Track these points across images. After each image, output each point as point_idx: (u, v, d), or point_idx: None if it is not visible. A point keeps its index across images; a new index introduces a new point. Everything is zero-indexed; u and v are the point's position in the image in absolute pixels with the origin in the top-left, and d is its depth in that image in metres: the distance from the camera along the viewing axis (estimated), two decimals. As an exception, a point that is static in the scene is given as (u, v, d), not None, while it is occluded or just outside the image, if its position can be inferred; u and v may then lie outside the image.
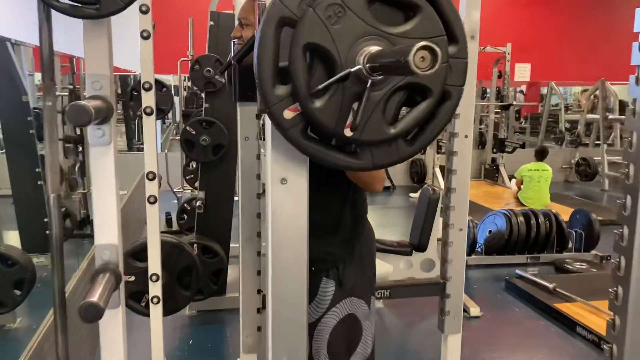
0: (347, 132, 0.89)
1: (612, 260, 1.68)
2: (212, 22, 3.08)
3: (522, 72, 7.77)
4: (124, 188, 5.40)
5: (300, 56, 0.86)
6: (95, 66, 0.97)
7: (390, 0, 0.90)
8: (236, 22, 1.67)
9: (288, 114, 0.89)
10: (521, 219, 4.23)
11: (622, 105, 8.61)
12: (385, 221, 5.96)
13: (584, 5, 8.33)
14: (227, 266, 3.25)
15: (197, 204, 3.15)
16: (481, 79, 7.79)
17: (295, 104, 0.89)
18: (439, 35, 0.88)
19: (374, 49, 0.84)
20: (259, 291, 2.14)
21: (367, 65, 0.82)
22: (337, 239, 1.50)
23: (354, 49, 0.85)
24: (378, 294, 3.01)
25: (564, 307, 3.35)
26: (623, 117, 8.01)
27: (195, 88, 4.58)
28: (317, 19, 0.84)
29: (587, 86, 9.14)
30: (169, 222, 4.90)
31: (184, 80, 5.60)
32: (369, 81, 0.85)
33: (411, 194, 7.04)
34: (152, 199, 1.74)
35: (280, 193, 1.07)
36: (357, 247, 1.55)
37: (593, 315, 3.21)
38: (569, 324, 3.20)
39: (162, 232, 1.88)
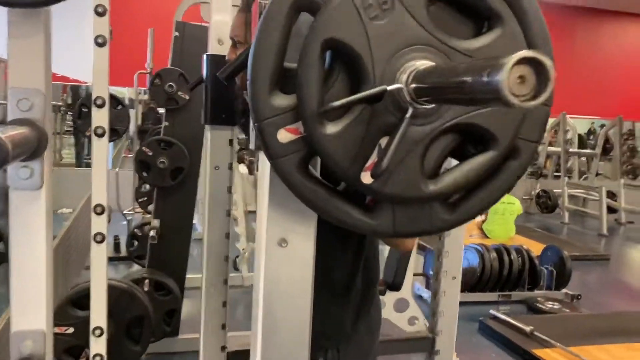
0: (366, 178, 0.62)
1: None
2: (177, 33, 2.78)
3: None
4: (69, 207, 4.96)
5: (316, 55, 0.59)
6: (22, 77, 0.67)
7: (459, 3, 0.63)
8: (210, 41, 1.39)
9: (284, 135, 0.63)
10: (494, 254, 4.06)
11: (581, 139, 8.73)
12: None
13: (555, 39, 8.43)
14: (181, 305, 2.90)
15: (151, 233, 2.81)
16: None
17: (296, 123, 0.63)
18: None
19: (426, 64, 0.58)
20: (222, 348, 1.83)
21: (413, 85, 0.57)
22: (343, 310, 1.18)
23: (396, 59, 0.59)
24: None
25: (543, 354, 3.16)
26: (583, 150, 8.11)
27: (152, 103, 4.24)
28: (352, 7, 0.58)
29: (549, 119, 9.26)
30: (116, 246, 4.49)
31: (140, 94, 5.23)
32: (410, 110, 0.58)
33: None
34: (99, 237, 1.43)
35: (278, 259, 0.80)
36: (365, 322, 1.24)
37: (574, 364, 3.04)
38: (549, 373, 3.01)
39: (109, 258, 1.57)
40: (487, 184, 0.65)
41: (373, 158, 0.61)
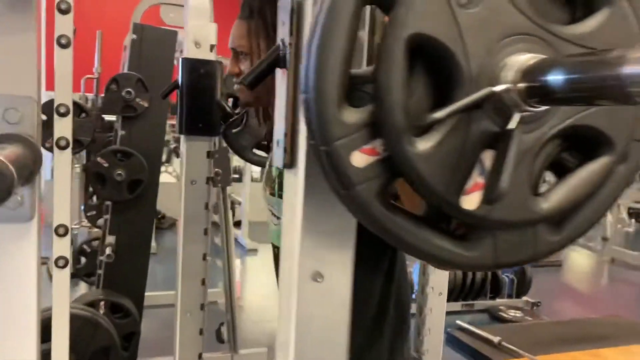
0: (467, 203, 0.51)
1: None
2: (134, 36, 2.60)
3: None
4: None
5: (400, 56, 0.48)
6: (10, 82, 0.53)
7: None
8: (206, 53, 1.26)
9: (360, 158, 0.51)
10: (456, 264, 4.07)
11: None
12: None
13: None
14: (140, 328, 2.70)
15: (107, 251, 2.60)
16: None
17: (373, 142, 0.51)
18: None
19: (534, 57, 0.48)
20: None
21: (522, 84, 0.46)
22: (375, 345, 1.03)
23: (494, 54, 0.49)
24: None
25: (512, 364, 3.15)
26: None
27: (100, 111, 3.99)
28: None
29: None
30: (62, 264, 4.19)
31: (87, 101, 4.94)
32: (517, 114, 0.48)
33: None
34: (61, 262, 1.26)
35: (312, 296, 0.68)
36: (400, 354, 1.08)
37: (543, 373, 3.03)
38: (519, 384, 2.99)
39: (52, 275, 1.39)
40: (595, 194, 0.55)
41: (477, 179, 0.50)
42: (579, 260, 6.95)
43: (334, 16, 0.49)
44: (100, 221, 3.10)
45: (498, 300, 4.22)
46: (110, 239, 2.67)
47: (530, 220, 0.54)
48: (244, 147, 1.66)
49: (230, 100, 1.63)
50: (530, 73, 0.46)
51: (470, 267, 0.56)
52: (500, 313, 4.02)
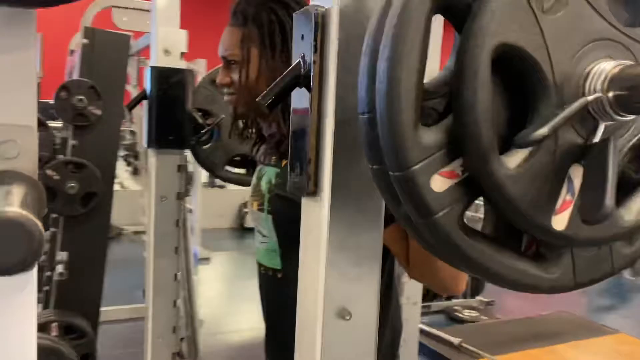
0: (559, 223, 0.48)
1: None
2: (86, 40, 2.45)
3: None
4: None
5: (486, 68, 0.44)
6: (6, 108, 0.45)
7: None
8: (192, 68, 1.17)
9: (440, 182, 0.46)
10: (414, 267, 4.10)
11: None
12: (255, 269, 5.49)
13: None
14: (96, 348, 2.55)
15: (59, 269, 2.44)
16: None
17: (452, 163, 0.47)
18: None
19: (620, 63, 0.46)
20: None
21: (613, 93, 0.44)
22: None
23: (577, 62, 0.47)
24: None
25: (474, 366, 3.20)
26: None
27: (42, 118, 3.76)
28: (523, 3, 0.45)
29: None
30: (2, 281, 3.92)
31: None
32: (603, 125, 0.46)
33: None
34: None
35: (339, 335, 0.63)
36: None
37: (505, 373, 3.09)
38: (482, 385, 3.04)
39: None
40: None
41: (567, 197, 0.47)
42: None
43: (407, 26, 0.45)
44: (46, 234, 2.92)
45: (454, 301, 4.28)
46: (63, 256, 2.51)
47: (616, 236, 0.51)
48: (215, 164, 1.58)
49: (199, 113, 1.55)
50: (618, 81, 0.44)
51: (552, 290, 0.52)
52: (457, 313, 4.09)
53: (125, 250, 5.24)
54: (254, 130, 1.12)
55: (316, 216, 0.62)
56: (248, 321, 3.95)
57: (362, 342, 0.63)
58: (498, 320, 4.03)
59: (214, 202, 6.50)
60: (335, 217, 0.61)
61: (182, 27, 1.46)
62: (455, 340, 3.47)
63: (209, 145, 1.59)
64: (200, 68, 5.23)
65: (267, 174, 1.06)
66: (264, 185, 1.06)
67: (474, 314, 4.10)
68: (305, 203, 0.64)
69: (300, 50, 0.61)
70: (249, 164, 1.68)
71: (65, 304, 2.49)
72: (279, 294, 1.06)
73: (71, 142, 2.51)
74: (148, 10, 2.73)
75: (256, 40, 1.01)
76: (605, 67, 0.46)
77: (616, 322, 4.31)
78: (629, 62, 0.46)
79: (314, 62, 0.59)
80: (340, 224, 0.61)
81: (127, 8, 2.53)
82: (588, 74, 0.47)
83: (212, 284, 5.00)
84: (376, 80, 0.46)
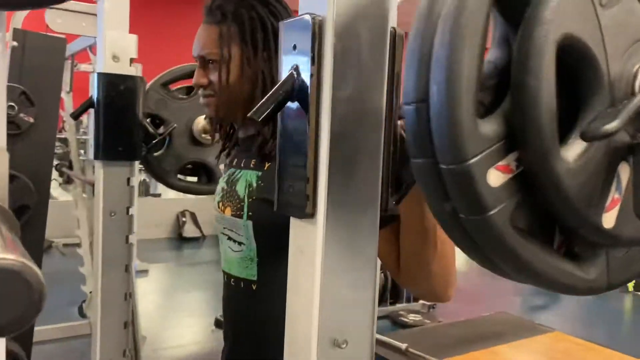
0: (608, 221, 0.48)
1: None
2: (15, 43, 2.29)
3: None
4: None
5: (551, 60, 0.43)
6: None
7: None
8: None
9: (496, 177, 0.44)
10: (359, 273, 4.12)
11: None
12: (196, 280, 5.36)
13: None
14: (30, 373, 2.38)
15: (-13, 289, 2.25)
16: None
17: (507, 157, 0.45)
18: None
19: None
20: None
21: None
22: None
23: (628, 57, 0.48)
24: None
25: (421, 370, 3.24)
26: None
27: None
28: None
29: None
30: None
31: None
32: None
33: (225, 245, 6.54)
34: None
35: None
36: None
37: (451, 377, 3.14)
38: (430, 390, 3.08)
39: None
40: None
41: (616, 195, 0.47)
42: (464, 259, 7.41)
43: (468, 11, 0.43)
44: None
45: (398, 305, 4.33)
46: (-11, 275, 2.32)
47: None
48: (167, 172, 1.50)
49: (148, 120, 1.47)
50: None
51: (589, 291, 0.51)
52: (401, 318, 4.13)
53: (57, 263, 4.95)
54: (224, 134, 1.06)
55: (310, 238, 0.58)
56: (190, 335, 3.82)
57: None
58: (442, 324, 4.10)
59: (150, 211, 6.27)
60: (331, 239, 0.57)
61: (132, 32, 1.38)
62: (402, 346, 3.51)
63: (160, 152, 1.51)
64: (138, 72, 5.05)
65: (244, 178, 0.99)
66: (240, 190, 0.99)
67: (417, 318, 4.16)
68: (297, 224, 0.60)
69: (292, 61, 0.57)
70: (201, 171, 1.61)
71: (-6, 327, 2.31)
72: (252, 307, 0.99)
73: (0, 151, 2.33)
74: (85, 13, 2.59)
75: (236, 38, 0.96)
76: None
77: (549, 320, 4.51)
78: None
79: (312, 75, 0.55)
80: (336, 246, 0.58)
81: (62, 10, 2.38)
82: (637, 72, 0.47)
83: (152, 297, 4.81)
84: (432, 67, 0.44)
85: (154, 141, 1.40)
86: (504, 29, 0.49)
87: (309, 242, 0.58)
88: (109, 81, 1.31)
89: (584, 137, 0.44)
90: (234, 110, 0.99)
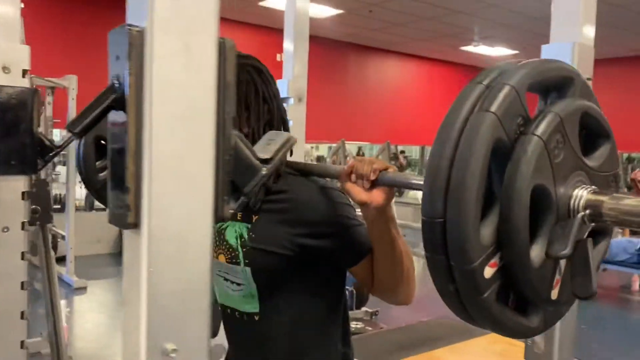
0: (554, 295, 0.74)
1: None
2: None
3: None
4: None
5: (527, 203, 0.67)
6: None
7: (589, 127, 0.77)
8: None
9: (488, 271, 0.68)
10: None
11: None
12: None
13: (328, 72, 9.09)
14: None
15: None
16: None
17: (496, 256, 0.69)
18: (617, 171, 0.81)
19: (591, 190, 0.72)
20: None
21: (587, 212, 0.70)
22: None
23: (568, 189, 0.72)
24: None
25: (360, 377, 3.25)
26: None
27: None
28: (544, 152, 0.68)
29: (332, 144, 9.93)
30: None
31: None
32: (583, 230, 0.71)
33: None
34: None
35: (165, 375, 0.59)
36: None
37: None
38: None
39: None
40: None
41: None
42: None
43: (472, 158, 0.65)
44: None
45: (341, 314, 4.35)
46: None
47: (581, 296, 0.73)
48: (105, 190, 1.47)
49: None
50: (591, 204, 0.70)
51: (533, 335, 0.84)
52: (344, 326, 4.15)
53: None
54: None
55: (136, 249, 0.57)
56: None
57: (193, 381, 0.60)
58: (381, 330, 4.15)
59: (90, 226, 6.09)
60: (157, 249, 0.57)
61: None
62: (341, 354, 3.55)
63: (104, 173, 1.49)
64: (72, 84, 4.93)
65: (234, 229, 1.09)
66: (231, 240, 1.09)
67: (359, 325, 4.19)
68: (127, 235, 0.60)
69: (115, 71, 0.57)
70: None
71: None
72: (256, 333, 1.13)
73: None
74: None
75: None
76: (582, 194, 0.71)
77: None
78: (592, 187, 0.71)
79: (130, 85, 0.55)
80: (163, 257, 0.57)
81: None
82: (570, 196, 0.71)
83: (88, 315, 4.66)
84: (449, 198, 0.66)
85: (51, 154, 1.36)
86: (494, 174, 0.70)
87: (135, 253, 0.58)
88: (-2, 94, 1.27)
89: (547, 256, 0.68)
90: None
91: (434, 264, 0.69)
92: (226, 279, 1.12)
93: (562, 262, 0.72)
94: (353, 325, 4.19)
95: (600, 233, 0.79)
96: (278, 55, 8.04)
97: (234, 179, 0.65)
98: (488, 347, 3.96)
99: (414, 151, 12.79)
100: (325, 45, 8.99)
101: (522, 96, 0.69)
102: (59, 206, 6.01)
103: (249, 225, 1.07)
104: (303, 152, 1.92)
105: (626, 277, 5.71)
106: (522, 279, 0.69)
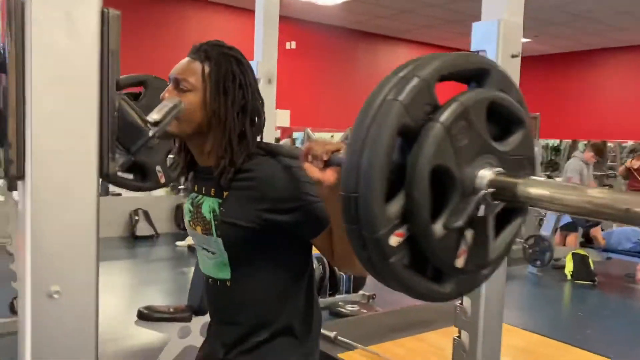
0: (459, 263, 0.80)
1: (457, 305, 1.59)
2: None
3: (283, 117, 8.03)
4: None
5: (426, 182, 0.74)
6: None
7: (498, 113, 0.82)
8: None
9: (394, 240, 0.76)
10: (296, 265, 4.18)
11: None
12: (150, 277, 5.38)
13: (337, 60, 9.12)
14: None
15: None
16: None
17: (402, 227, 0.77)
18: (531, 155, 0.87)
19: (495, 171, 0.78)
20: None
21: (489, 190, 0.77)
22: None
23: (471, 169, 0.78)
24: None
25: (347, 357, 3.32)
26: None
27: None
28: (447, 137, 0.75)
29: (340, 132, 9.95)
30: None
31: None
32: (484, 207, 0.79)
33: (178, 243, 6.54)
34: None
35: (49, 312, 0.65)
36: None
37: (373, 362, 3.24)
38: (353, 375, 3.16)
39: None
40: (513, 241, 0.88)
41: (462, 247, 0.79)
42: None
43: (375, 142, 0.73)
44: None
45: (337, 297, 4.41)
46: None
47: (485, 266, 0.85)
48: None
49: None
50: (495, 183, 0.76)
51: (444, 300, 0.85)
52: (339, 308, 4.21)
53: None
54: (185, 161, 1.27)
55: (22, 198, 0.64)
56: (122, 328, 3.83)
57: (78, 319, 0.66)
58: (375, 313, 4.20)
59: (103, 210, 6.21)
60: (40, 198, 0.63)
61: None
62: (331, 334, 3.59)
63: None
64: None
65: (208, 204, 1.21)
66: (206, 213, 1.20)
67: (355, 308, 4.24)
68: (19, 187, 0.66)
69: (2, 39, 0.63)
70: (137, 170, 1.68)
71: None
72: (228, 299, 1.24)
73: None
74: None
75: (210, 80, 1.15)
76: (487, 174, 0.77)
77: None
78: (498, 169, 0.77)
79: (10, 51, 0.61)
80: (46, 206, 0.63)
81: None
82: (476, 176, 0.77)
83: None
84: (359, 174, 0.74)
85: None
86: (403, 143, 0.76)
87: (22, 202, 0.64)
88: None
89: (444, 227, 0.75)
90: (184, 131, 1.17)
91: (351, 233, 0.78)
92: (203, 248, 1.24)
93: (468, 236, 0.80)
94: (349, 308, 4.25)
95: (514, 211, 0.85)
96: (287, 44, 8.08)
97: (121, 139, 0.70)
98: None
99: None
100: (333, 34, 9.01)
101: (431, 87, 0.76)
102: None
103: (220, 201, 1.18)
104: (272, 135, 1.97)
105: (630, 266, 5.66)
106: (426, 248, 0.77)
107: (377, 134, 0.73)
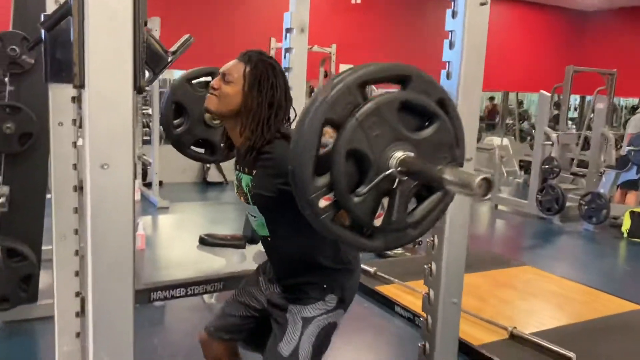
0: (377, 222, 1.05)
1: (428, 240, 1.84)
2: (17, -5, 2.72)
3: (346, 72, 8.20)
4: None
5: (343, 160, 1.00)
6: None
7: (414, 109, 1.05)
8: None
9: (323, 203, 1.03)
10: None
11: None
12: (219, 217, 5.88)
13: (400, 11, 9.10)
14: (38, 270, 2.91)
15: (1, 201, 2.77)
16: (309, 79, 8.05)
17: (329, 193, 1.03)
18: (451, 142, 1.08)
19: (405, 154, 1.02)
20: (77, 293, 1.95)
21: (399, 168, 1.02)
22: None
23: (386, 152, 1.02)
24: (211, 287, 2.93)
25: (384, 289, 3.61)
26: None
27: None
28: (359, 128, 1.00)
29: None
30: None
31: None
32: (396, 182, 1.03)
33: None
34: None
35: (101, 180, 0.97)
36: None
37: (409, 295, 3.50)
38: (388, 304, 3.45)
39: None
40: (433, 211, 1.12)
41: (380, 210, 1.05)
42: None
43: (307, 130, 1.00)
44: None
45: (385, 241, 4.66)
46: (5, 189, 2.83)
47: (405, 226, 1.09)
48: (184, 145, 2.13)
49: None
50: (403, 163, 1.01)
51: (373, 251, 1.23)
52: (386, 252, 4.47)
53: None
54: (226, 142, 1.64)
55: (85, 106, 0.95)
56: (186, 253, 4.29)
57: (120, 186, 0.98)
58: (416, 256, 4.43)
59: (177, 158, 6.76)
60: (96, 100, 0.94)
61: None
62: (371, 269, 3.90)
63: (181, 129, 2.09)
64: (155, 26, 5.44)
65: (244, 180, 1.57)
66: (244, 187, 1.57)
67: (399, 251, 4.48)
68: (82, 95, 0.98)
69: (68, -6, 0.94)
70: (207, 145, 2.17)
71: (9, 232, 2.83)
72: (273, 249, 1.66)
73: (8, 88, 2.81)
74: None
75: (249, 78, 1.48)
76: (398, 155, 1.01)
77: (534, 259, 4.74)
78: (409, 154, 1.02)
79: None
80: (100, 105, 0.95)
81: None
82: (389, 158, 1.02)
83: (168, 229, 5.36)
84: (296, 153, 1.02)
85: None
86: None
87: (86, 105, 0.95)
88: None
89: (355, 194, 1.02)
90: (220, 111, 1.52)
91: (296, 197, 1.06)
92: (250, 214, 1.63)
93: (385, 201, 1.05)
94: (394, 251, 4.50)
95: (432, 188, 1.10)
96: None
97: (148, 63, 1.00)
98: (516, 276, 4.14)
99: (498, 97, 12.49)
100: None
101: (352, 90, 1.01)
102: (147, 138, 6.73)
103: (251, 177, 1.54)
104: (304, 85, 2.25)
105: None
106: (348, 210, 1.04)
107: (308, 125, 1.00)
